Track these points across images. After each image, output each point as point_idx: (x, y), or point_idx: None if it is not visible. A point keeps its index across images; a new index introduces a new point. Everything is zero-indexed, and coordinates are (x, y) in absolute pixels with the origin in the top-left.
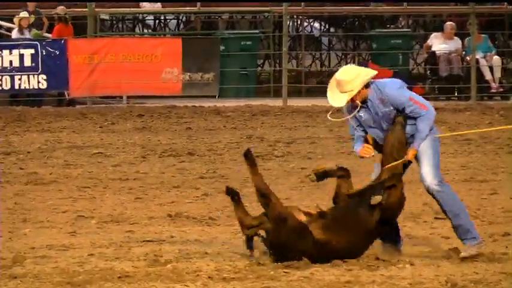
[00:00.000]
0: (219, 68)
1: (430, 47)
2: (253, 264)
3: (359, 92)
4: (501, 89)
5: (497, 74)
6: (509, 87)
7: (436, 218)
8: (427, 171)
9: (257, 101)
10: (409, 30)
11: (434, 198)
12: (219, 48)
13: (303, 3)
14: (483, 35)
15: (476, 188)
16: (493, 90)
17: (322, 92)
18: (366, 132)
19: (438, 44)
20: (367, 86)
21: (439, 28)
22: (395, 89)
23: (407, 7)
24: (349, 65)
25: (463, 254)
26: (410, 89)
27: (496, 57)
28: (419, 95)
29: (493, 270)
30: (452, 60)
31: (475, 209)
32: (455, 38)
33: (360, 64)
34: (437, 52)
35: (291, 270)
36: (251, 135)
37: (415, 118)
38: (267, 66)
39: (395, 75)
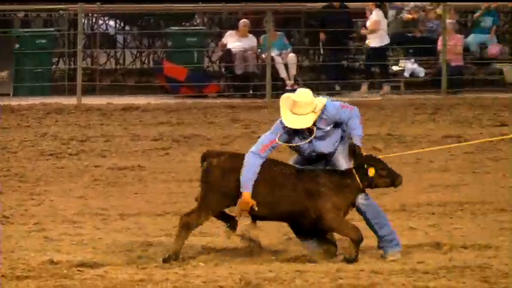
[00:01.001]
0: (13, 66)
1: (225, 44)
2: (47, 263)
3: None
4: (296, 87)
5: (293, 71)
6: (303, 84)
7: None
8: None
9: (52, 99)
10: (204, 28)
11: (359, 211)
12: (14, 47)
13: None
14: (279, 33)
15: None
16: (288, 88)
17: (117, 90)
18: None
19: (233, 41)
20: None
21: (235, 26)
22: (332, 107)
23: (203, 5)
24: (302, 88)
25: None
26: (206, 87)
27: (291, 54)
28: (215, 92)
29: (287, 268)
30: (248, 58)
31: None
32: (250, 35)
33: (155, 62)
34: (232, 50)
35: (84, 268)
36: (45, 133)
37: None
38: (61, 64)
39: (190, 73)
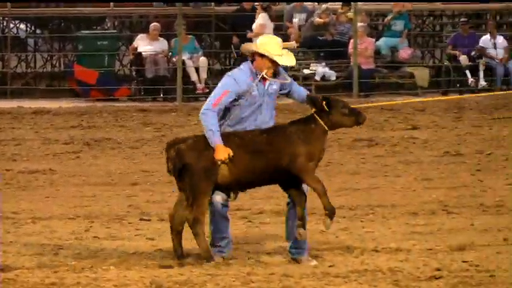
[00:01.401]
0: None
1: (136, 48)
2: None
3: None
4: (207, 90)
5: (203, 75)
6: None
7: (141, 220)
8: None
9: None
10: (115, 31)
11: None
12: None
13: (9, 4)
14: (190, 36)
15: None
16: (198, 91)
17: (28, 94)
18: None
19: (144, 45)
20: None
21: (145, 29)
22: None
23: (114, 8)
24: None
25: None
26: (116, 90)
27: (202, 58)
28: (126, 96)
29: (199, 272)
30: (158, 61)
31: None
32: (161, 38)
33: (65, 66)
34: (143, 53)
35: None
36: None
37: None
38: None
39: (101, 76)
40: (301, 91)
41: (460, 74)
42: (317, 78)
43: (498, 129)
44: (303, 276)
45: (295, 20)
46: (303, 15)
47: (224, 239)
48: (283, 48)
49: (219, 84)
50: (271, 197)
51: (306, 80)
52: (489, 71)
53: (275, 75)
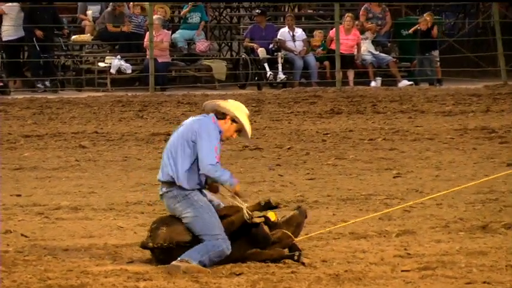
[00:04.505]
0: None
1: None
2: None
3: None
4: (1, 84)
5: None
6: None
7: None
8: None
9: None
10: None
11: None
12: None
13: None
14: None
15: None
16: None
17: None
18: None
19: None
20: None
21: None
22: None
23: None
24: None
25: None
26: None
27: None
28: None
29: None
30: None
31: None
32: None
33: None
34: None
35: None
36: None
37: None
38: None
39: None
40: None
41: (258, 67)
42: (112, 71)
43: (298, 123)
44: (101, 273)
45: (89, 13)
46: (97, 7)
47: None
48: None
49: (209, 137)
50: (67, 193)
51: (101, 74)
52: (288, 64)
53: None
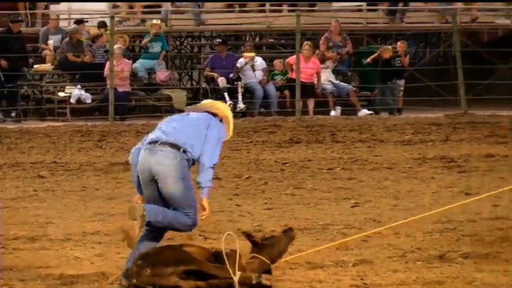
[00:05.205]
0: None
1: None
2: None
3: None
4: None
5: None
6: None
7: None
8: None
9: None
10: None
11: None
12: None
13: None
14: None
15: None
16: None
17: None
18: None
19: None
20: None
21: None
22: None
23: None
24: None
25: None
26: None
27: None
28: None
29: None
30: None
31: None
32: None
33: None
34: None
35: None
36: None
37: None
38: None
39: None
40: None
41: (218, 96)
42: (72, 101)
43: (256, 153)
44: None
45: (50, 42)
46: (58, 37)
47: None
48: None
49: (219, 138)
50: (25, 223)
51: (61, 103)
52: (248, 94)
53: None
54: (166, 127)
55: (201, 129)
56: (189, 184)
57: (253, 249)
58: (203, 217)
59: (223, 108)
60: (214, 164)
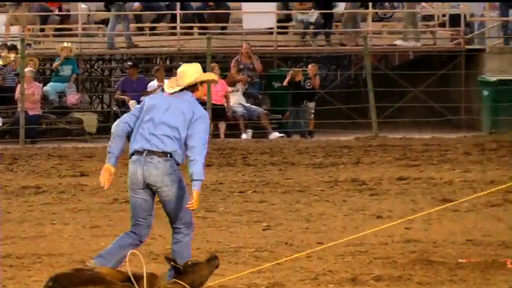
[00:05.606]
0: None
1: None
2: None
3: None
4: None
5: None
6: None
7: None
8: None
9: None
10: None
11: None
12: None
13: None
14: None
15: None
16: None
17: None
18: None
19: None
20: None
21: None
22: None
23: None
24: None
25: None
26: None
27: None
28: None
29: None
30: None
31: None
32: None
33: None
34: None
35: None
36: None
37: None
38: None
39: None
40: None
41: None
42: None
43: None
44: None
45: None
46: None
47: None
48: None
49: (206, 129)
50: None
51: None
52: None
53: None
54: (148, 133)
55: (183, 128)
56: (181, 190)
57: (175, 275)
58: (190, 206)
59: (198, 71)
60: (203, 156)
